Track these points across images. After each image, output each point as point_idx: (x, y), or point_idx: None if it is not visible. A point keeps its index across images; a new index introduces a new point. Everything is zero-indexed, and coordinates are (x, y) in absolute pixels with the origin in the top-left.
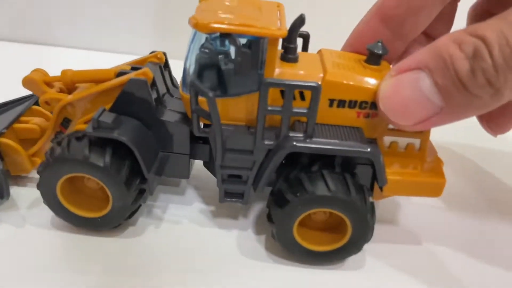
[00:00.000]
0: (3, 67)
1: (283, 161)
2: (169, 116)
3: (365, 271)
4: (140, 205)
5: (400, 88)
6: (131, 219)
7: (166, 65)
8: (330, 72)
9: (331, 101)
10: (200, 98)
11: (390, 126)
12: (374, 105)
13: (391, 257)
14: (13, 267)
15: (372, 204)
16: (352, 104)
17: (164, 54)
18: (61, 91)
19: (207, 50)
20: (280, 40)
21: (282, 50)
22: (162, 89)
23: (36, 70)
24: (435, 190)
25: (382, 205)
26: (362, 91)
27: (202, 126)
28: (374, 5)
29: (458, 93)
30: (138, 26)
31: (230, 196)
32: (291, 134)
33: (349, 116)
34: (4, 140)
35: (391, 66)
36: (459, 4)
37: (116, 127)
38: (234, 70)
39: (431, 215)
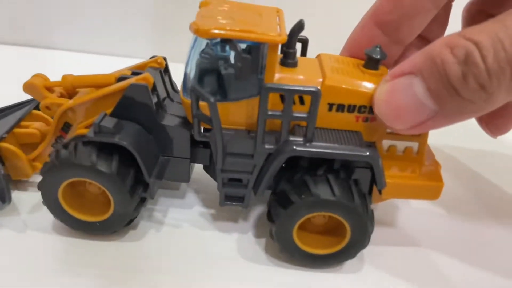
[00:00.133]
0: (0, 70)
1: (283, 165)
2: (170, 120)
3: (363, 274)
4: (139, 212)
5: (394, 93)
6: (129, 225)
7: (166, 69)
8: (329, 77)
9: (330, 106)
10: (201, 103)
11: (389, 130)
12: (372, 109)
13: (388, 260)
14: (14, 271)
15: (372, 212)
16: (351, 109)
17: (164, 58)
18: (61, 95)
19: (207, 56)
20: (280, 45)
21: (282, 55)
22: (162, 93)
23: (36, 75)
24: (433, 193)
25: (379, 207)
26: (360, 96)
27: (202, 130)
28: (368, 10)
29: (451, 98)
30: (136, 29)
31: (230, 199)
32: (291, 138)
33: (348, 120)
34: (5, 144)
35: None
36: (454, 4)
37: (117, 132)
38: (235, 75)
39: (428, 218)
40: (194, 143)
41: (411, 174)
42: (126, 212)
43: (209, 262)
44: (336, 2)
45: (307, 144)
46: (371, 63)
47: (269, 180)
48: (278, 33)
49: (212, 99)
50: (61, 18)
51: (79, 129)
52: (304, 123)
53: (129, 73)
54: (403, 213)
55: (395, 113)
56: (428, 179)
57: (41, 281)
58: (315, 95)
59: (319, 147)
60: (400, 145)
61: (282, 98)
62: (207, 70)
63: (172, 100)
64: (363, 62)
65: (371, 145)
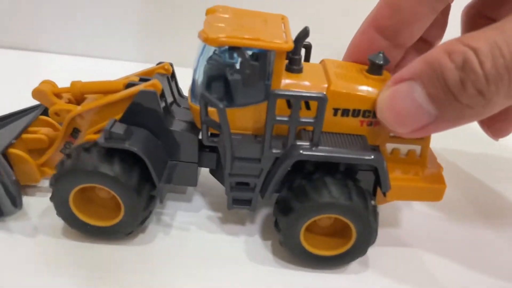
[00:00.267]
0: None
1: (289, 168)
2: (178, 126)
3: (369, 275)
4: (151, 212)
5: (396, 98)
6: (141, 226)
7: (173, 75)
8: (334, 82)
9: (336, 110)
10: (210, 109)
11: (392, 134)
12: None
13: (389, 261)
14: (25, 277)
15: (374, 207)
16: (355, 113)
17: (171, 65)
18: (69, 101)
19: (215, 62)
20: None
21: (287, 61)
22: (169, 99)
23: (45, 82)
24: (436, 195)
25: (380, 209)
26: (365, 101)
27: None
28: (368, 16)
29: (450, 103)
30: (123, 32)
31: (238, 203)
32: (298, 143)
33: (352, 125)
34: (14, 150)
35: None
36: (452, 5)
37: (127, 138)
38: (242, 82)
39: (427, 220)
40: (200, 147)
41: (414, 176)
42: (136, 212)
43: (218, 264)
44: (336, 8)
45: (314, 149)
46: (375, 69)
47: (276, 184)
48: (285, 41)
49: (221, 105)
50: (47, 20)
51: (88, 135)
52: (310, 128)
53: (137, 79)
54: (403, 215)
55: (397, 118)
56: (431, 181)
57: (53, 285)
58: (322, 101)
59: (325, 151)
60: (403, 148)
61: (289, 103)
62: (214, 76)
63: (179, 105)
64: (366, 67)
65: (376, 149)
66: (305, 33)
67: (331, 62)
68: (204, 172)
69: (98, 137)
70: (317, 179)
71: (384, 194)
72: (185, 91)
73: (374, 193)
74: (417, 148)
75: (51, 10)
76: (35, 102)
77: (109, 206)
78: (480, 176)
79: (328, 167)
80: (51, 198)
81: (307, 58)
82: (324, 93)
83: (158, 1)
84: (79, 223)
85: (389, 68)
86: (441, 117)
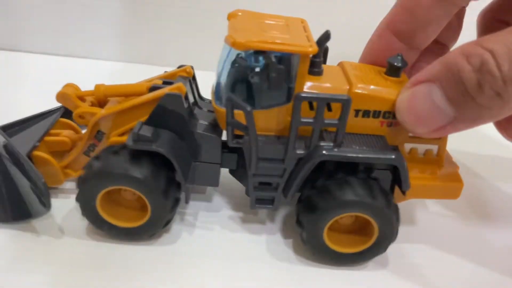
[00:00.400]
0: None
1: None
2: (201, 128)
3: (387, 272)
4: (175, 213)
5: (414, 100)
6: (165, 227)
7: (194, 78)
8: (355, 84)
9: (357, 112)
10: (235, 111)
11: (410, 134)
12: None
13: (408, 260)
14: (51, 277)
15: (396, 206)
16: (376, 114)
17: (192, 68)
18: (92, 104)
19: (239, 66)
20: None
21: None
22: (192, 102)
23: (68, 85)
24: (453, 193)
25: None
26: (385, 102)
27: None
28: (383, 20)
29: (468, 104)
30: (103, 31)
31: (260, 202)
32: (321, 144)
33: (373, 125)
34: (38, 153)
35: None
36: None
37: (154, 140)
38: (268, 85)
39: (441, 219)
40: (221, 149)
41: (432, 175)
42: (163, 214)
43: (242, 263)
44: (348, 10)
45: (337, 149)
46: (393, 71)
47: (300, 184)
48: (310, 44)
49: (248, 108)
50: (27, 19)
51: (112, 137)
52: (331, 129)
53: (160, 82)
54: (417, 213)
55: (416, 119)
56: (448, 179)
57: (79, 285)
58: (347, 102)
59: (348, 152)
60: (421, 148)
61: (310, 104)
62: (238, 79)
63: (200, 107)
64: (383, 69)
65: (395, 149)
66: (326, 36)
67: (349, 65)
68: (223, 172)
69: (126, 139)
70: (341, 178)
71: (404, 192)
72: None
73: (392, 191)
74: (434, 148)
75: (26, 8)
76: (34, 104)
77: (134, 207)
78: (493, 177)
79: (348, 167)
80: (77, 199)
81: (324, 61)
82: (346, 94)
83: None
84: (105, 224)
85: (404, 70)
86: (459, 118)
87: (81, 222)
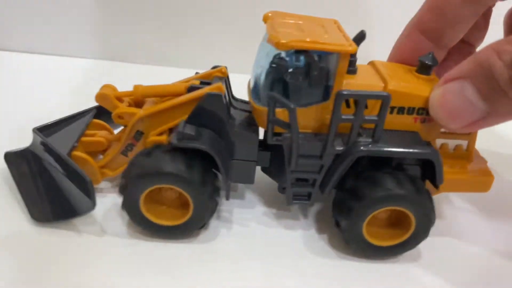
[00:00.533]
0: None
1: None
2: (239, 126)
3: (423, 263)
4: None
5: (447, 96)
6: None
7: (227, 78)
8: (390, 82)
9: (392, 109)
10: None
11: (442, 130)
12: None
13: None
14: (94, 276)
15: (427, 191)
16: (410, 111)
17: (226, 68)
18: (129, 105)
19: (278, 66)
20: None
21: None
22: (228, 101)
23: (106, 86)
24: (484, 186)
25: None
26: (419, 99)
27: None
28: (412, 20)
29: (500, 99)
30: (78, 28)
31: (297, 198)
32: (360, 140)
33: (407, 122)
34: (77, 153)
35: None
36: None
37: (198, 138)
38: (309, 83)
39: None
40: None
41: (462, 169)
42: (204, 210)
43: (282, 258)
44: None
45: (375, 145)
46: (424, 69)
47: (337, 179)
48: (349, 44)
49: (292, 106)
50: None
51: (152, 137)
52: (367, 125)
53: (197, 82)
54: (444, 208)
55: (449, 115)
56: (479, 173)
57: (123, 283)
58: (387, 99)
59: (386, 147)
60: (452, 143)
61: (347, 102)
62: (278, 79)
63: (234, 107)
64: (413, 68)
65: (429, 144)
66: (361, 36)
67: (380, 63)
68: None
69: (168, 138)
70: (369, 176)
71: (437, 186)
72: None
73: None
74: (464, 143)
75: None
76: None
77: (175, 205)
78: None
79: (378, 164)
80: (123, 206)
81: None
82: (387, 92)
83: None
84: (153, 226)
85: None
86: (492, 113)
87: (120, 221)
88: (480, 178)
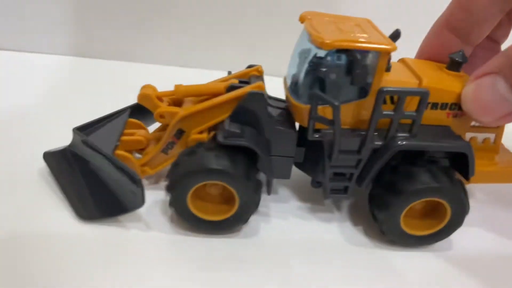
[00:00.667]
0: None
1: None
2: (278, 123)
3: (454, 252)
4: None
5: (480, 91)
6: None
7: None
8: (424, 79)
9: (426, 104)
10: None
11: (472, 124)
12: (460, 106)
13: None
14: (141, 270)
15: (462, 183)
16: (443, 106)
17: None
18: (168, 104)
19: (319, 64)
20: None
21: None
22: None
23: (147, 86)
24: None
25: None
26: (452, 95)
27: None
28: (440, 18)
29: None
30: (56, 23)
31: (334, 192)
32: (398, 135)
33: (440, 117)
34: (120, 152)
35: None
36: None
37: (243, 135)
38: (351, 81)
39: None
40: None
41: (491, 161)
42: (249, 204)
43: (322, 250)
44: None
45: (413, 139)
46: (454, 66)
47: (375, 173)
48: (389, 42)
49: (336, 103)
50: None
51: (193, 135)
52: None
53: (236, 81)
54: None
55: (482, 108)
56: (506, 165)
57: (170, 276)
58: (425, 95)
59: (424, 141)
60: (480, 136)
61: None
62: (318, 77)
63: (269, 104)
64: (442, 65)
65: (460, 138)
66: (397, 34)
67: (410, 61)
68: None
69: (209, 136)
70: (405, 170)
71: (468, 178)
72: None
73: None
74: (492, 136)
75: None
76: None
77: (218, 201)
78: None
79: (411, 157)
80: (171, 204)
81: None
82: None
83: None
84: (200, 222)
85: None
86: None
87: (163, 217)
88: (508, 169)
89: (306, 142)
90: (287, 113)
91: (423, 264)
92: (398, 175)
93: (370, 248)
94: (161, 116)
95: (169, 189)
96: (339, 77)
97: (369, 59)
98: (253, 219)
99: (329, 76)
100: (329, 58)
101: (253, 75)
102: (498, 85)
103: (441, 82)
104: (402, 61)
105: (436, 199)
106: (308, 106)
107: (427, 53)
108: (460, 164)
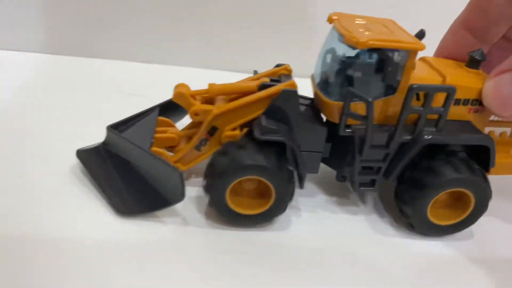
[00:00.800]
0: None
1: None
2: (309, 120)
3: (477, 240)
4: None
5: (500, 86)
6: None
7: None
8: (447, 76)
9: None
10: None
11: (491, 118)
12: (481, 101)
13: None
14: (178, 263)
15: (481, 170)
16: (466, 102)
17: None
18: (201, 102)
19: (350, 62)
20: None
21: None
22: None
23: (181, 85)
24: None
25: None
26: (473, 91)
27: None
28: (457, 18)
29: None
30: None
31: (363, 185)
32: (426, 129)
33: (462, 112)
34: (155, 148)
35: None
36: None
37: (278, 132)
38: (383, 78)
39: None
40: None
41: (507, 153)
42: (285, 198)
43: (352, 242)
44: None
45: (440, 133)
46: (474, 63)
47: (403, 166)
48: (417, 41)
49: (370, 99)
50: None
51: (227, 132)
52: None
53: (267, 80)
54: None
55: (502, 103)
56: None
57: (205, 269)
58: (452, 92)
59: (450, 135)
60: (498, 130)
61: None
62: (349, 75)
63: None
64: (461, 63)
65: (481, 132)
66: (421, 34)
67: (431, 59)
68: None
69: (254, 132)
70: (428, 164)
71: (488, 170)
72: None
73: None
74: (508, 130)
75: None
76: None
77: (253, 195)
78: None
79: (433, 151)
80: (210, 204)
81: None
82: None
83: None
84: (239, 217)
85: None
86: None
87: (198, 212)
88: None
89: (333, 138)
90: (313, 110)
91: (453, 252)
92: (421, 170)
93: (396, 237)
94: (196, 114)
95: (207, 190)
96: (369, 75)
97: (399, 57)
98: (284, 213)
99: (359, 74)
100: (360, 57)
101: (283, 73)
102: None
103: (463, 79)
104: (423, 59)
105: (460, 189)
106: (340, 103)
107: (445, 52)
108: (476, 157)
